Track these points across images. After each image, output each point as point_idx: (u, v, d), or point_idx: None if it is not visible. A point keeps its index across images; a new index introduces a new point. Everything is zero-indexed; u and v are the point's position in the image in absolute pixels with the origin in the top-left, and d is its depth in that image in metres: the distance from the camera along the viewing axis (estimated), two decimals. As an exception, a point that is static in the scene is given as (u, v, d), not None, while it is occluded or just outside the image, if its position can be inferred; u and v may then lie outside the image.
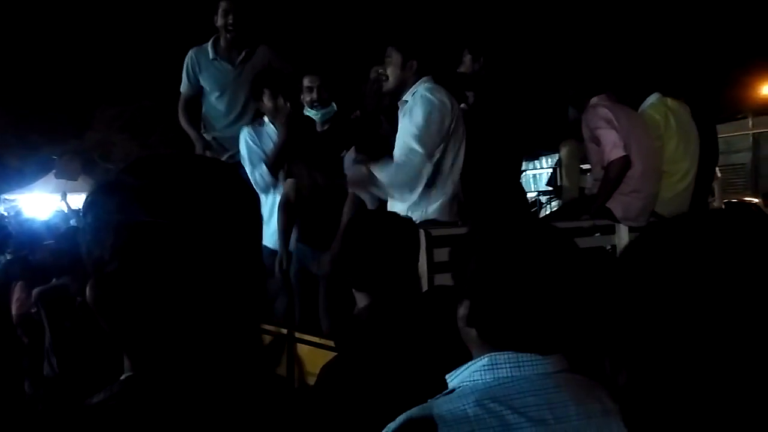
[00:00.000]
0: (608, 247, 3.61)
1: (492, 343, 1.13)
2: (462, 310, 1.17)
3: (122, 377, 0.82)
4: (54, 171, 12.43)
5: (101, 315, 0.80)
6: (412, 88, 3.08)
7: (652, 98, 3.85)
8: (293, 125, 3.49)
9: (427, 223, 2.98)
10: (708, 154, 3.98)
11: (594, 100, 3.64)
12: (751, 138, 17.17)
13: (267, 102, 3.63)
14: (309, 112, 3.37)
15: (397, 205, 3.05)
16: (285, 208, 3.43)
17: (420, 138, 2.88)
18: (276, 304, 3.55)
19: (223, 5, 3.96)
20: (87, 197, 0.84)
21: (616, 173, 3.47)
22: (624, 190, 3.51)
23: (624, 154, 3.43)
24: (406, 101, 3.08)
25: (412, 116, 2.96)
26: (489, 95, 3.68)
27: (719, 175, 4.66)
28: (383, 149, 3.10)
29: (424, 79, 3.09)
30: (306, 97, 3.42)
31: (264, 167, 3.58)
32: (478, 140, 3.27)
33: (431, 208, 3.00)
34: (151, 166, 0.84)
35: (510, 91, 3.90)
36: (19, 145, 25.54)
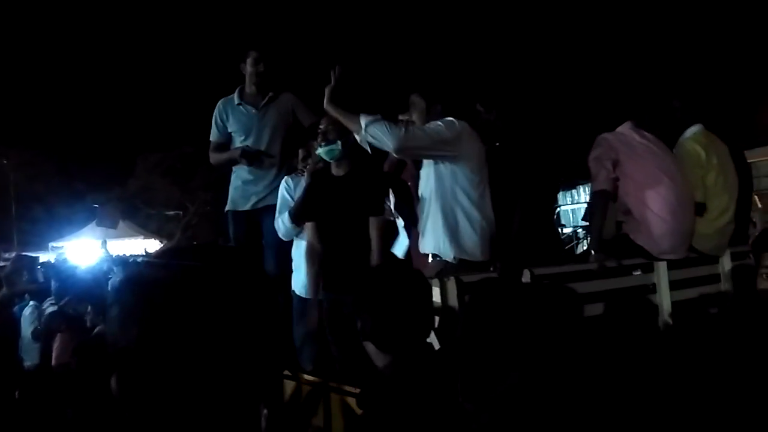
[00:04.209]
0: (650, 285, 3.52)
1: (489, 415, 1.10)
2: (459, 385, 1.16)
3: None
4: (95, 219, 12.87)
5: (125, 404, 0.83)
6: None
7: (695, 128, 3.76)
8: (319, 173, 3.54)
9: (461, 263, 3.02)
10: (744, 184, 3.87)
11: (619, 129, 3.59)
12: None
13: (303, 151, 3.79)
14: (317, 151, 3.43)
15: (429, 241, 3.06)
16: (311, 255, 3.47)
17: (423, 128, 3.00)
18: (304, 352, 3.55)
19: (253, 54, 4.15)
20: (114, 288, 0.88)
21: (597, 207, 3.43)
22: (647, 223, 3.41)
23: (602, 188, 3.39)
24: None
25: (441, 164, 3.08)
26: (509, 141, 3.67)
27: (759, 204, 4.52)
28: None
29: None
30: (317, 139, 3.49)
31: (287, 215, 3.68)
32: (505, 183, 3.27)
33: (467, 245, 3.04)
34: (173, 258, 0.88)
35: (531, 132, 3.88)
36: (66, 192, 26.44)
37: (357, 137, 3.10)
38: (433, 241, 3.07)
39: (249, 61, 4.15)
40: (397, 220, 3.22)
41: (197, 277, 0.84)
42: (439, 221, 3.05)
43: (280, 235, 3.77)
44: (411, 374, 1.60)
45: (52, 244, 21.65)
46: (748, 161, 4.26)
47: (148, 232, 23.54)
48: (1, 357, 4.48)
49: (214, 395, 0.83)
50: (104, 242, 10.20)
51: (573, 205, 8.94)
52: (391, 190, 3.23)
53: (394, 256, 3.21)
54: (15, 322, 5.08)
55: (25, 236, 25.16)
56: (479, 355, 1.16)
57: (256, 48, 4.21)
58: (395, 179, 3.53)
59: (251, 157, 4.07)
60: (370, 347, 1.73)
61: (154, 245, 21.12)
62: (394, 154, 3.14)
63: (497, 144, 3.57)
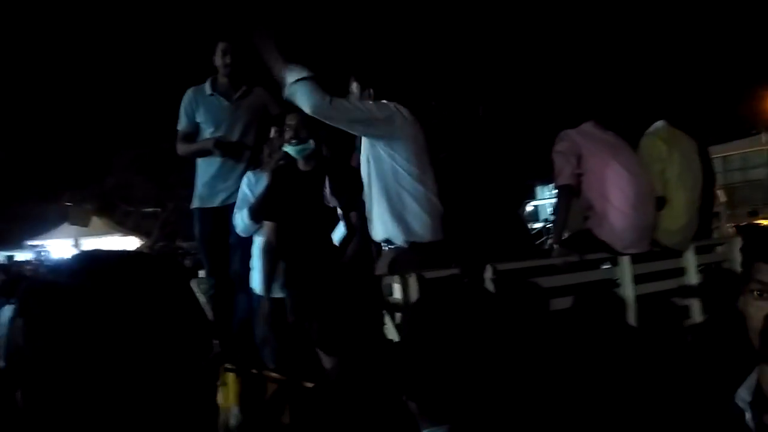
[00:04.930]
0: (615, 279, 3.55)
1: (430, 417, 1.10)
2: (402, 382, 1.15)
3: None
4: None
5: (31, 418, 0.80)
6: None
7: (658, 124, 3.81)
8: (281, 170, 3.52)
9: (413, 246, 2.98)
10: (707, 179, 3.92)
11: (582, 126, 3.62)
12: (766, 153, 16.92)
13: (268, 145, 3.74)
14: (287, 148, 3.39)
15: (378, 228, 3.03)
16: (267, 252, 3.45)
17: (351, 101, 2.97)
18: (265, 350, 3.53)
19: (221, 46, 4.08)
20: (19, 298, 0.85)
21: (560, 201, 3.50)
22: (609, 218, 3.45)
23: (566, 182, 3.45)
24: None
25: (368, 147, 3.03)
26: (477, 138, 3.68)
27: (723, 198, 4.58)
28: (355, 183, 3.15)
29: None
30: (285, 135, 3.46)
31: (246, 211, 3.64)
32: (466, 178, 3.27)
33: (415, 227, 2.99)
34: (85, 265, 0.85)
35: (500, 128, 3.88)
36: (39, 192, 26.05)
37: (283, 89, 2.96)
38: (382, 227, 3.02)
39: (218, 52, 4.09)
40: (336, 206, 3.19)
41: (107, 284, 0.81)
42: (383, 205, 2.99)
43: (238, 231, 3.73)
44: (355, 376, 1.59)
45: (27, 242, 21.35)
46: (730, 153, 4.33)
47: (126, 229, 23.29)
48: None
49: (129, 406, 0.80)
50: (76, 240, 10.07)
51: (546, 200, 8.98)
52: (327, 177, 3.19)
53: (343, 256, 3.18)
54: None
55: (1, 235, 24.78)
56: (436, 353, 1.15)
57: (224, 39, 4.12)
58: (337, 165, 3.48)
59: (225, 148, 4.00)
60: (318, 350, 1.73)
61: (132, 243, 20.91)
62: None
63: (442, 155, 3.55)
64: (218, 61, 4.10)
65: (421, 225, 3.00)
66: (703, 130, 4.36)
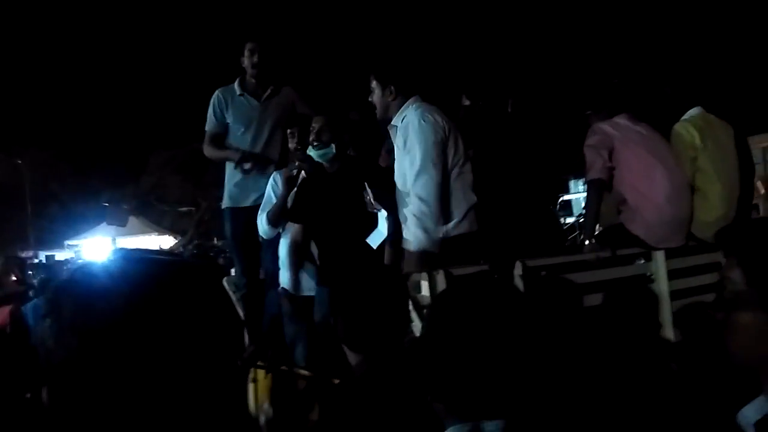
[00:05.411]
0: (649, 274, 3.47)
1: (458, 415, 1.09)
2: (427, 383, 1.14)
3: None
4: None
5: (55, 416, 0.80)
6: (400, 112, 3.16)
7: (693, 111, 3.69)
8: (307, 173, 3.53)
9: (446, 241, 3.02)
10: (745, 169, 3.79)
11: (615, 118, 3.55)
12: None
13: (292, 146, 3.75)
14: (310, 152, 3.40)
15: (412, 229, 3.04)
16: (294, 252, 3.49)
17: (427, 166, 2.97)
18: (295, 348, 3.55)
19: (249, 46, 4.12)
20: (47, 299, 0.85)
21: (591, 196, 3.42)
22: (642, 212, 3.37)
23: (597, 177, 3.36)
24: (395, 126, 3.16)
25: (409, 149, 3.03)
26: (497, 132, 3.63)
27: (762, 191, 4.43)
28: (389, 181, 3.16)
29: (411, 100, 3.16)
30: (310, 138, 3.46)
31: (264, 216, 3.68)
32: (496, 174, 3.24)
33: (451, 226, 3.03)
34: (117, 267, 0.84)
35: (532, 121, 3.84)
36: (80, 191, 26.69)
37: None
38: (410, 236, 3.03)
39: (245, 52, 4.12)
40: (379, 211, 3.19)
41: (139, 287, 0.81)
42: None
43: (260, 233, 3.76)
44: (380, 374, 1.59)
45: (67, 242, 21.90)
46: (762, 145, 4.18)
47: (162, 228, 23.72)
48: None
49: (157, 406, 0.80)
50: (113, 239, 10.30)
51: (579, 194, 8.84)
52: (366, 183, 3.21)
53: (372, 255, 3.18)
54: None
55: (42, 234, 25.48)
56: (463, 351, 1.13)
57: (252, 39, 4.17)
58: (373, 169, 3.48)
59: (249, 160, 4.02)
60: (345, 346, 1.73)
61: (167, 241, 21.29)
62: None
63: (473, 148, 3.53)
64: (246, 61, 4.12)
65: (456, 222, 3.04)
66: (741, 117, 4.21)
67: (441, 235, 3.00)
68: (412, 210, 3.01)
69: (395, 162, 3.19)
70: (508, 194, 3.38)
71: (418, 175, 2.99)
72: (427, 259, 2.94)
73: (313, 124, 3.36)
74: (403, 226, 3.11)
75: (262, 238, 3.97)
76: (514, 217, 3.36)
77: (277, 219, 3.63)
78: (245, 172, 4.04)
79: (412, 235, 3.01)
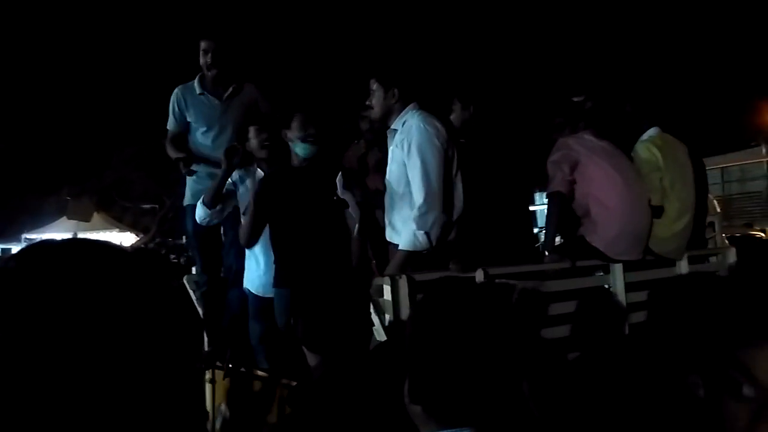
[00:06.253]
0: (607, 286, 3.54)
1: (437, 420, 1.09)
2: (406, 386, 1.13)
3: None
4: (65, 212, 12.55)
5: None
6: (400, 116, 3.20)
7: (651, 131, 3.81)
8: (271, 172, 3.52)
9: (441, 246, 3.06)
10: (700, 189, 3.91)
11: (581, 135, 3.63)
12: (765, 165, 16.92)
13: (252, 140, 3.70)
14: (296, 146, 3.36)
15: (403, 237, 3.06)
16: (259, 250, 3.53)
17: (430, 170, 3.03)
18: (260, 350, 3.52)
19: (202, 45, 4.00)
20: None
21: (551, 208, 3.52)
22: (603, 225, 3.45)
23: (557, 190, 3.48)
24: (395, 129, 3.20)
25: (411, 154, 3.07)
26: (482, 140, 3.70)
27: (719, 209, 4.57)
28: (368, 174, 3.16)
29: (410, 106, 3.21)
30: (298, 133, 3.42)
31: (200, 204, 3.69)
32: (474, 181, 3.28)
33: (435, 233, 3.05)
34: (32, 255, 0.81)
35: (504, 132, 3.91)
36: (38, 185, 26.00)
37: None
38: (406, 236, 3.06)
39: (200, 51, 3.99)
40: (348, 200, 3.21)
41: (48, 272, 0.76)
42: (405, 210, 3.08)
43: (196, 217, 3.76)
44: (339, 376, 1.59)
45: (25, 235, 21.32)
46: (729, 165, 4.33)
47: (124, 225, 23.25)
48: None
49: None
50: (74, 234, 10.05)
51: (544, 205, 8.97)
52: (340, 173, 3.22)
53: (336, 256, 3.18)
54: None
55: (-2, 227, 24.73)
56: (429, 355, 1.13)
57: (206, 38, 4.01)
58: (329, 163, 3.51)
59: (200, 163, 3.98)
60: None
61: (129, 239, 20.88)
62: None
63: (462, 141, 3.58)
64: (201, 60, 4.00)
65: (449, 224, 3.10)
66: (695, 137, 4.35)
67: (434, 239, 3.03)
68: (411, 212, 3.05)
69: (390, 164, 3.22)
70: (484, 203, 3.43)
71: (421, 178, 3.03)
72: (418, 261, 2.97)
73: (297, 120, 3.32)
74: (388, 225, 3.13)
75: (225, 236, 3.92)
76: (490, 225, 3.44)
77: (210, 200, 3.64)
78: (190, 173, 3.97)
79: (407, 236, 3.03)
